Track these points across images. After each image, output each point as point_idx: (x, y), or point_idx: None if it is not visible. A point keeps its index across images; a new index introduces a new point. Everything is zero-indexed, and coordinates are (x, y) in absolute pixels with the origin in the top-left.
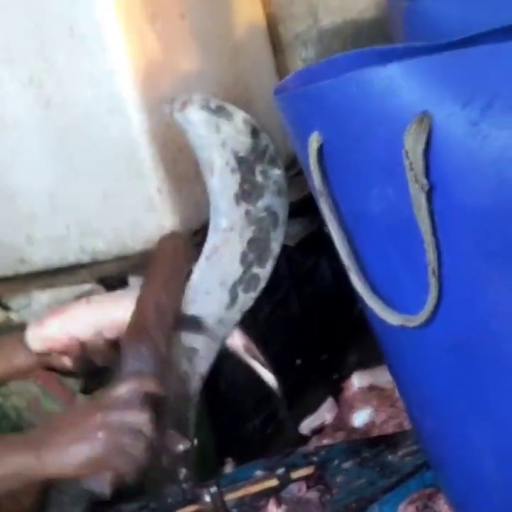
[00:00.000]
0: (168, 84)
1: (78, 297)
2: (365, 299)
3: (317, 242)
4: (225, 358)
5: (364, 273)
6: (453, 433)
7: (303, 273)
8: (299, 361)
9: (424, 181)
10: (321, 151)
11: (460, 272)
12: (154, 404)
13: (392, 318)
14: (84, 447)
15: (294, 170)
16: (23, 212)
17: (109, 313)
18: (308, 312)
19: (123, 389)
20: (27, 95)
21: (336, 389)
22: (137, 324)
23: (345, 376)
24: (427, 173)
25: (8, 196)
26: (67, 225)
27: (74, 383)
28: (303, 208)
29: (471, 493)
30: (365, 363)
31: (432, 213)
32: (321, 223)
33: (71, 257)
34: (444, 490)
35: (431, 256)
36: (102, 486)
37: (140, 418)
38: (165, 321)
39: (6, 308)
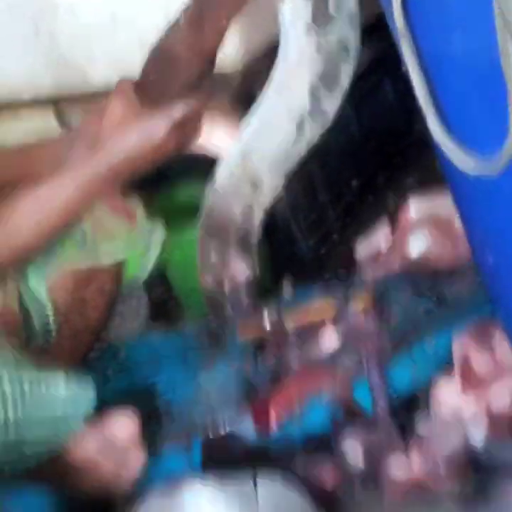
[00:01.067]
0: None
1: None
2: (441, 144)
3: (381, 62)
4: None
5: (441, 117)
6: None
7: (364, 93)
8: (355, 182)
9: None
10: None
11: None
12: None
13: (468, 163)
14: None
15: None
16: (85, 29)
17: None
18: (367, 133)
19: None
20: None
21: (392, 215)
22: None
23: (403, 199)
24: None
25: (71, 11)
26: (129, 42)
27: (134, 202)
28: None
29: None
30: (423, 187)
31: None
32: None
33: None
34: (501, 322)
35: None
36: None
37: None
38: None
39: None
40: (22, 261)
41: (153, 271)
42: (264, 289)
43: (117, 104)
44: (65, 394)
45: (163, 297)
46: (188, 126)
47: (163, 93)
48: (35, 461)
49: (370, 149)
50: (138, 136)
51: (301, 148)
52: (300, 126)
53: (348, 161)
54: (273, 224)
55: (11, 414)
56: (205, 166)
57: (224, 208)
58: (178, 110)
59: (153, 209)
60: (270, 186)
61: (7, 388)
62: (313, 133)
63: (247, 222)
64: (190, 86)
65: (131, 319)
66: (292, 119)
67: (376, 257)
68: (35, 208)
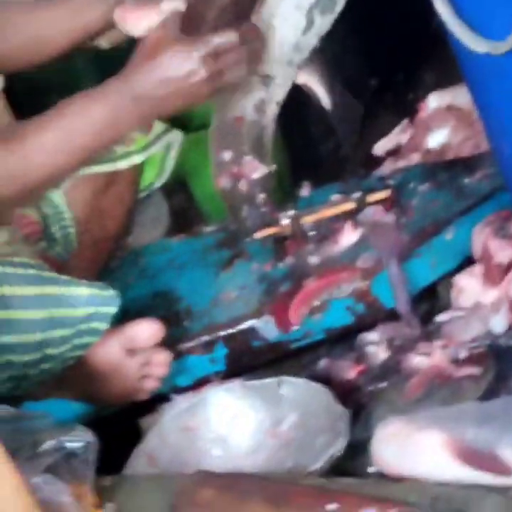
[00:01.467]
0: None
1: None
2: (450, 26)
3: None
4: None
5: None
6: None
7: None
8: (373, 82)
9: None
10: None
11: None
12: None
13: (478, 44)
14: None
15: None
16: None
17: None
18: (384, 28)
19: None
20: None
21: (411, 110)
22: None
23: (422, 96)
24: None
25: None
26: None
27: None
28: None
29: None
30: (442, 83)
31: None
32: None
33: None
34: None
35: None
36: None
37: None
38: None
39: None
40: (46, 188)
41: (172, 178)
42: (283, 193)
43: (156, 31)
44: (87, 293)
45: (183, 205)
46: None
47: (202, 20)
48: (60, 365)
49: (387, 46)
50: (168, 63)
51: (312, 39)
52: (309, 16)
53: (364, 60)
54: (290, 128)
55: (33, 313)
56: None
57: (236, 104)
58: (218, 39)
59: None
60: (282, 79)
61: (28, 290)
62: (322, 22)
63: (261, 117)
64: (231, 13)
65: (152, 228)
66: (300, 9)
67: (395, 151)
68: (63, 136)
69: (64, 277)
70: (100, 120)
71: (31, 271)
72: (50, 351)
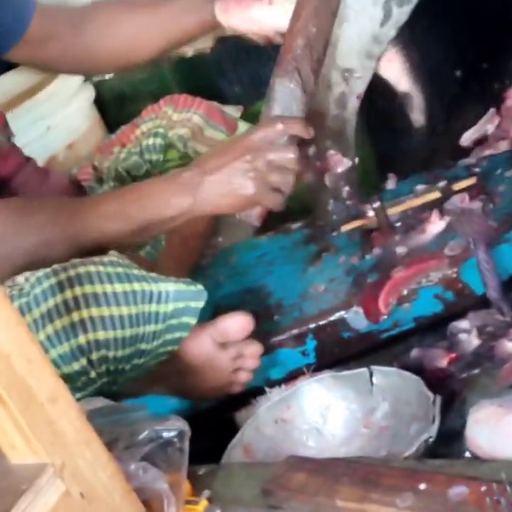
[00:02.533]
0: None
1: None
2: None
3: None
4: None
5: None
6: None
7: None
8: (458, 72)
9: None
10: None
11: None
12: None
13: None
14: (237, 187)
15: None
16: None
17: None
18: (468, 17)
19: (270, 130)
20: None
21: (497, 99)
22: (286, 60)
23: (508, 85)
24: None
25: None
26: None
27: (234, 111)
28: None
29: None
30: None
31: None
32: None
33: None
34: None
35: None
36: (252, 219)
37: (286, 157)
38: (315, 54)
39: None
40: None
41: None
42: (369, 186)
43: None
44: (174, 288)
45: None
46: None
47: None
48: (154, 361)
49: (472, 36)
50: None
51: (390, 30)
52: (386, 8)
53: (449, 50)
54: (377, 121)
55: (124, 309)
56: None
57: (317, 99)
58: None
59: (254, 116)
60: (361, 72)
61: (118, 287)
62: (400, 13)
63: (342, 111)
64: None
65: (240, 229)
66: (377, 1)
67: (482, 141)
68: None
69: (151, 274)
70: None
71: (120, 269)
72: (143, 346)
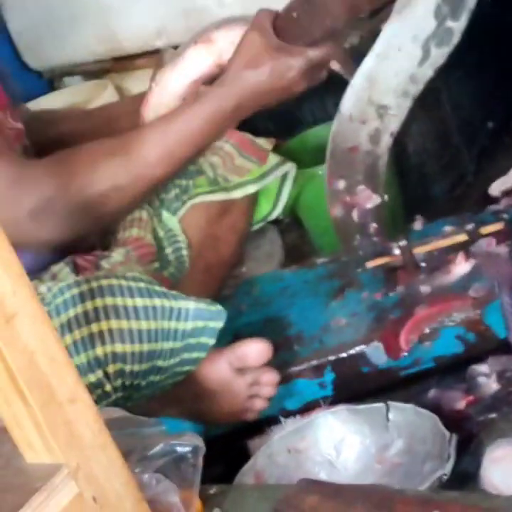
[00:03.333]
0: None
1: None
2: None
3: None
4: (415, 120)
5: None
6: None
7: (502, 29)
8: (490, 124)
9: None
10: None
11: None
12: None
13: None
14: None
15: None
16: None
17: None
18: (505, 72)
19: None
20: None
21: None
22: None
23: None
24: None
25: None
26: None
27: (266, 143)
28: None
29: None
30: None
31: None
32: None
33: None
34: None
35: None
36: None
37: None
38: None
39: None
40: (151, 193)
41: (285, 213)
42: (396, 226)
43: (254, 36)
44: (194, 306)
45: (297, 241)
46: (318, 70)
47: (304, 33)
48: (170, 380)
49: (507, 89)
50: (270, 73)
51: (427, 70)
52: (425, 48)
53: (482, 102)
54: (407, 165)
55: (143, 324)
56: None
57: (351, 134)
58: (315, 54)
59: (285, 151)
60: (397, 110)
61: (139, 301)
62: (438, 54)
63: (375, 147)
64: (331, 32)
65: (266, 263)
66: (416, 41)
67: (511, 192)
68: (165, 141)
69: (172, 292)
70: (199, 133)
71: (141, 284)
72: (159, 363)
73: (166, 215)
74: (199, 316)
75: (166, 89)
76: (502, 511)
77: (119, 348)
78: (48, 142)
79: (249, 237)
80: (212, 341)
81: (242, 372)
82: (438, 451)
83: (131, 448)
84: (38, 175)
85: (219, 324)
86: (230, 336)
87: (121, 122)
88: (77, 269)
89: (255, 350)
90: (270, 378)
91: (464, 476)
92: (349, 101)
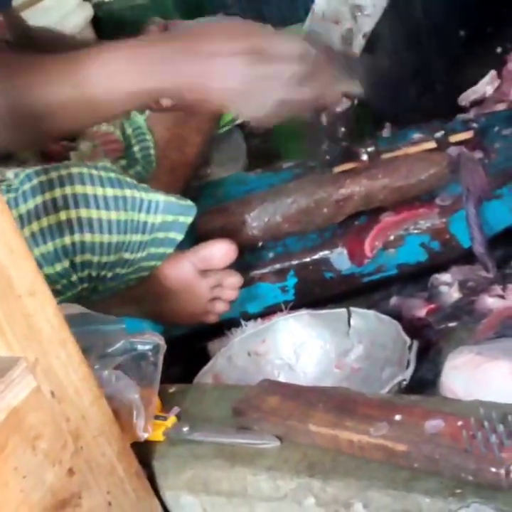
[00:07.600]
0: None
1: None
2: None
3: None
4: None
5: None
6: None
7: None
8: (462, 33)
9: None
10: None
11: None
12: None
13: None
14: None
15: None
16: None
17: None
18: None
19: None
20: None
21: (499, 62)
22: None
23: (510, 49)
24: None
25: None
26: None
27: None
28: None
29: None
30: None
31: None
32: None
33: None
34: None
35: None
36: None
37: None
38: None
39: None
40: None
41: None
42: (365, 131)
43: None
44: (164, 200)
45: (261, 146)
46: None
47: None
48: (135, 274)
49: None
50: None
51: None
52: None
53: (455, 10)
54: (375, 70)
55: (113, 214)
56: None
57: (323, 34)
58: None
59: None
60: (371, 9)
61: (109, 191)
62: None
63: (348, 49)
64: None
65: (229, 167)
66: None
67: (480, 102)
68: None
69: (142, 184)
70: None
71: (112, 174)
72: (127, 255)
73: (133, 111)
74: (169, 210)
75: None
76: (463, 415)
77: (87, 237)
78: None
79: (215, 140)
80: (180, 237)
81: (205, 274)
82: (398, 357)
83: (92, 345)
84: None
85: (188, 219)
86: (192, 240)
87: None
88: (45, 159)
89: (219, 251)
90: (233, 281)
91: (423, 382)
92: (322, 0)
